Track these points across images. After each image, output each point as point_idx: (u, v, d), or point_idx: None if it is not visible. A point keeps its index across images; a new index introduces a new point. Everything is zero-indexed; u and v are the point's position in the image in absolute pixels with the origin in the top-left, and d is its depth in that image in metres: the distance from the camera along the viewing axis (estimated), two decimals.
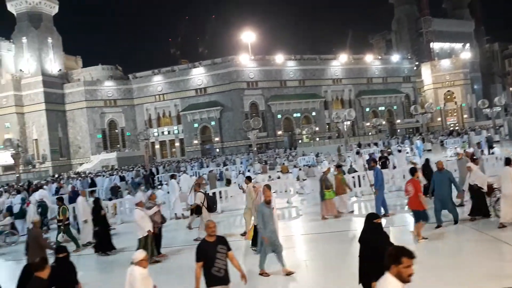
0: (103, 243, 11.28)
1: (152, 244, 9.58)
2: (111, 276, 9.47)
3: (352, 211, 13.21)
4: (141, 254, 5.15)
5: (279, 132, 71.61)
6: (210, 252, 5.26)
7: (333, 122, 65.33)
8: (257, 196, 9.32)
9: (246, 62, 71.36)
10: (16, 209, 16.14)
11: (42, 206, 16.00)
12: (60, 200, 13.13)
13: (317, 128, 70.57)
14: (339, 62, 79.44)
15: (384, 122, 75.09)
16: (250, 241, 9.72)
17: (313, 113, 74.27)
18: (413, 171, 9.54)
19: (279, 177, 19.94)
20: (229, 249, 5.42)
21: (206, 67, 73.03)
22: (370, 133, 66.33)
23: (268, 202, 7.64)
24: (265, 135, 69.72)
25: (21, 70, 67.97)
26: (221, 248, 5.34)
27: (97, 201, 11.76)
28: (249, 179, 12.02)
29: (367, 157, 20.54)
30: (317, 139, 63.62)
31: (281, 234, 11.65)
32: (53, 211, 17.22)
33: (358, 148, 32.94)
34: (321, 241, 10.30)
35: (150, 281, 5.15)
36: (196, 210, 11.40)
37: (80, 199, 12.96)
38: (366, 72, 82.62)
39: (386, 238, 5.28)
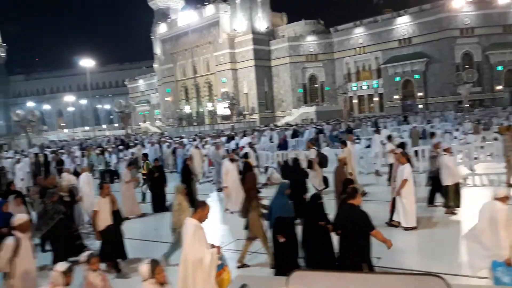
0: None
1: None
2: None
3: None
4: (504, 191, 5.09)
5: (498, 87, 61.30)
6: None
7: None
8: (396, 164, 8.29)
9: (461, 6, 62.30)
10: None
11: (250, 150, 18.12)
12: (145, 156, 14.68)
13: None
14: None
15: None
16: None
17: None
18: None
19: (495, 139, 17.22)
20: None
21: (412, 15, 66.86)
22: None
23: None
24: (480, 90, 60.76)
25: (234, 30, 75.28)
26: None
27: None
28: (344, 143, 12.25)
29: None
30: None
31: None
32: (258, 157, 18.97)
33: None
34: None
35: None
36: (308, 165, 12.33)
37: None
38: None
39: None
